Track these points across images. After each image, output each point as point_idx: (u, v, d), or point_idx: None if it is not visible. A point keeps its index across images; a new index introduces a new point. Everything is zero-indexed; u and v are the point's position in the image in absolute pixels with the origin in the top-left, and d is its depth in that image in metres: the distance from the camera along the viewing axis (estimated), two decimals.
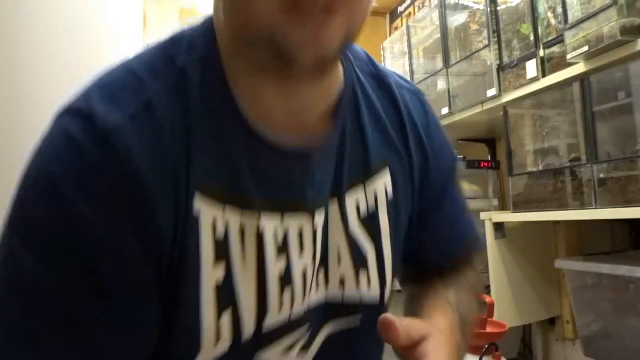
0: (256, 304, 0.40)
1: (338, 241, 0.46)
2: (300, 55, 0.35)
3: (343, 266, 0.46)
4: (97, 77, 0.41)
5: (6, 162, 1.06)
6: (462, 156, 1.72)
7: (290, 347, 0.44)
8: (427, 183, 0.52)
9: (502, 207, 1.73)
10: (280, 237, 0.42)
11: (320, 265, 0.45)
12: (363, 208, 0.47)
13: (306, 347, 0.46)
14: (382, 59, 2.11)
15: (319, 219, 0.44)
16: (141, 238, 0.35)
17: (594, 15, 1.01)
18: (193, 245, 0.38)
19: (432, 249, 0.54)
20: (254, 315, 0.40)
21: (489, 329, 1.20)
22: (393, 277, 0.50)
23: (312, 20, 0.33)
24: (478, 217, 1.49)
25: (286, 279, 0.42)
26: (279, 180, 0.41)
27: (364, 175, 0.47)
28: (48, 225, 0.34)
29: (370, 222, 0.47)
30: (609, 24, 0.98)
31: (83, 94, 0.40)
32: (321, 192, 0.44)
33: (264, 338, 0.42)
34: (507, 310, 1.41)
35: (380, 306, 0.49)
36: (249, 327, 0.40)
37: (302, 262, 0.43)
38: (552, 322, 1.55)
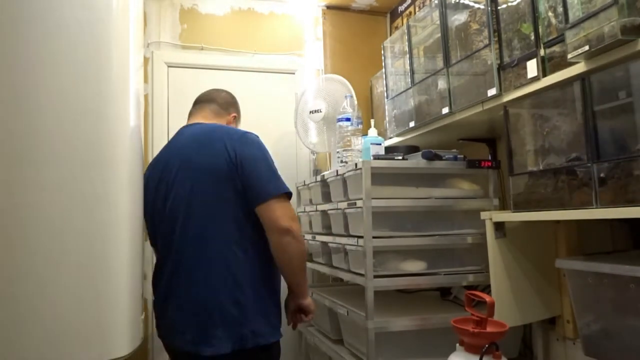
0: None
1: None
2: None
3: None
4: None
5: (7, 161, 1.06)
6: (462, 155, 1.72)
7: None
8: None
9: (503, 206, 1.74)
10: None
11: None
12: None
13: None
14: (382, 58, 2.11)
15: None
16: None
17: (595, 14, 1.01)
18: None
19: None
20: None
21: (489, 329, 1.20)
22: None
23: None
24: (478, 217, 1.49)
25: None
26: None
27: None
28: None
29: None
30: (610, 23, 0.98)
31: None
32: None
33: None
34: (507, 309, 1.42)
35: None
36: None
37: None
38: (552, 321, 1.55)
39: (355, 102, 2.21)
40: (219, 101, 1.65)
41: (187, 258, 1.37)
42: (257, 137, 1.48)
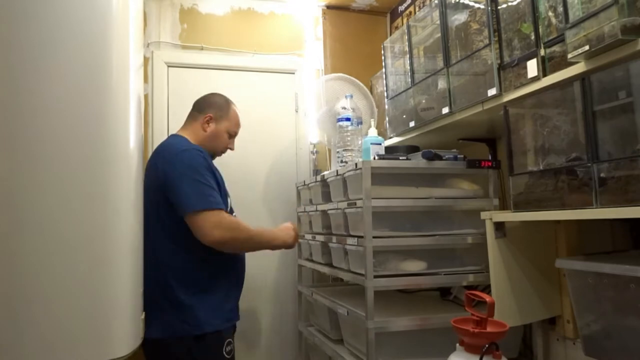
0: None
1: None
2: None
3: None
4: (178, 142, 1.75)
5: (7, 161, 1.06)
6: (462, 155, 1.72)
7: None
8: None
9: (503, 206, 1.74)
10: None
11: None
12: None
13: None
14: (382, 58, 2.11)
15: None
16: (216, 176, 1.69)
17: (595, 14, 1.01)
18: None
19: None
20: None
21: (489, 329, 1.20)
22: None
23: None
24: (478, 217, 1.49)
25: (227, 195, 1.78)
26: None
27: None
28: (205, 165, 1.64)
29: None
30: (610, 23, 0.98)
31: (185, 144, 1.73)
32: None
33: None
34: (507, 309, 1.42)
35: None
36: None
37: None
38: (552, 321, 1.55)
39: (375, 108, 2.22)
40: (197, 105, 1.85)
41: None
42: (195, 152, 1.64)
